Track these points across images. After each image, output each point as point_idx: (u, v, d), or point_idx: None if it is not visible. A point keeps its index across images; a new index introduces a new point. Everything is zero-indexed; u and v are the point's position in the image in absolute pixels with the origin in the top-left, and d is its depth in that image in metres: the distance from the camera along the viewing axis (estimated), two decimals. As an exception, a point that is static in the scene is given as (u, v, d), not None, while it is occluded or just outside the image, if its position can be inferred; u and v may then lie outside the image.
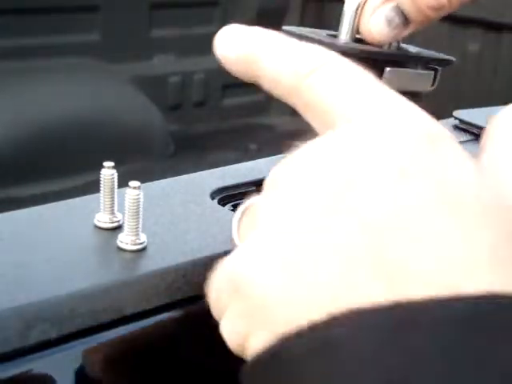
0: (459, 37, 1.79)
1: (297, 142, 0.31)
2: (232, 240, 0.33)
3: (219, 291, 0.30)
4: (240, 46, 0.34)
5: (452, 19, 1.73)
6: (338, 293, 0.26)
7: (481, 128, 0.60)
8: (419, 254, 0.25)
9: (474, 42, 1.79)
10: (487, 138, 0.32)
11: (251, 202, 0.33)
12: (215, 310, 0.31)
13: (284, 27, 0.40)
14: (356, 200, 0.27)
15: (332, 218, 0.27)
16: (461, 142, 0.45)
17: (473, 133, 0.61)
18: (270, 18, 1.98)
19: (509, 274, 0.24)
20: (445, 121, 0.63)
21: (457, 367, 0.23)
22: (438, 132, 0.28)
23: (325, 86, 0.30)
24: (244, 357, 0.29)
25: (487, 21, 1.74)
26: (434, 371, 0.23)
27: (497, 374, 0.22)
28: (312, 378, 0.25)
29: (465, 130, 0.61)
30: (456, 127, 0.62)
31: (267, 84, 0.33)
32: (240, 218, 0.33)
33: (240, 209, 0.33)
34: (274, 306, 0.27)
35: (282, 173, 0.30)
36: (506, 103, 0.71)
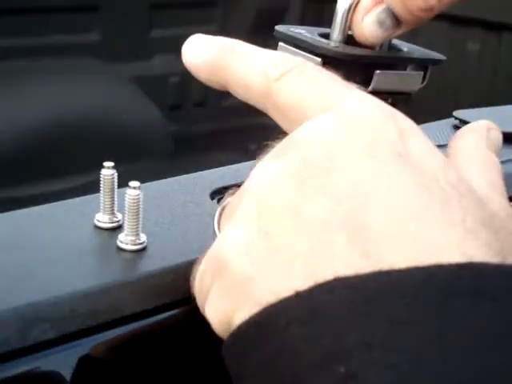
0: (459, 37, 1.79)
1: (269, 143, 0.33)
2: (214, 234, 0.34)
3: (203, 274, 0.31)
4: (207, 53, 0.35)
5: (452, 19, 1.73)
6: (317, 263, 0.27)
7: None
8: (394, 226, 0.26)
9: (474, 42, 1.79)
10: (452, 149, 0.34)
11: (229, 199, 0.34)
12: (199, 295, 0.32)
13: (276, 27, 0.40)
14: (331, 177, 0.28)
15: (307, 194, 0.28)
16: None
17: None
18: (270, 18, 1.98)
19: (479, 244, 0.26)
20: (445, 121, 0.63)
21: (439, 331, 0.24)
22: (406, 122, 0.31)
23: (296, 87, 0.32)
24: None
25: (487, 21, 1.74)
26: (422, 333, 0.24)
27: (472, 333, 0.24)
28: (298, 344, 0.25)
29: (465, 130, 0.61)
30: (456, 127, 0.62)
31: (237, 89, 0.34)
32: (220, 213, 0.35)
33: (221, 204, 0.35)
34: (256, 279, 0.28)
35: (256, 167, 0.31)
36: (506, 103, 0.72)
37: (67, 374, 0.35)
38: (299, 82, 0.32)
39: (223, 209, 0.35)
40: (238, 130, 1.91)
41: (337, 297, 0.25)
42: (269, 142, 0.34)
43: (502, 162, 0.55)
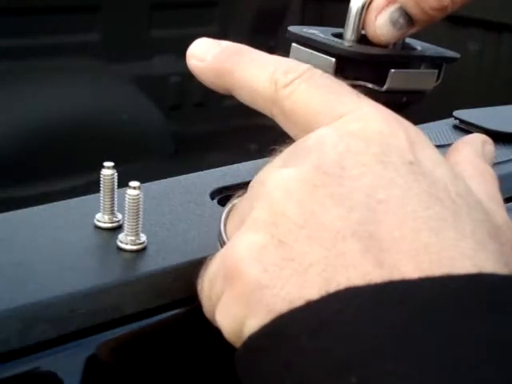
0: (459, 37, 1.79)
1: (277, 148, 0.33)
2: (220, 237, 0.34)
3: (212, 279, 0.31)
4: (213, 58, 0.35)
5: (452, 19, 1.73)
6: (332, 272, 0.27)
7: (481, 128, 0.60)
8: (407, 236, 0.26)
9: (474, 41, 1.79)
10: (451, 162, 0.34)
11: (236, 201, 0.34)
12: (208, 301, 0.32)
13: (289, 28, 0.40)
14: (344, 185, 0.28)
15: (321, 202, 0.28)
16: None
17: (472, 133, 0.61)
18: (270, 18, 1.98)
19: (489, 256, 0.26)
20: (445, 121, 0.63)
21: (451, 341, 0.24)
22: (416, 132, 0.31)
23: (305, 93, 0.32)
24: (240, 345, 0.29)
25: (487, 21, 1.74)
26: (434, 344, 0.24)
27: (484, 343, 0.24)
28: (310, 355, 0.25)
29: (465, 130, 0.61)
30: (456, 127, 0.62)
31: (242, 94, 0.34)
32: (226, 216, 0.34)
33: (226, 207, 0.35)
34: (269, 287, 0.27)
35: (266, 171, 0.31)
36: (506, 103, 0.71)
37: (67, 374, 0.35)
38: (308, 89, 0.32)
39: (229, 212, 0.34)
40: (238, 130, 1.91)
41: (348, 307, 0.25)
42: (276, 146, 0.33)
43: (502, 162, 0.55)
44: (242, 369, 0.29)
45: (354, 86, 0.34)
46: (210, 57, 0.35)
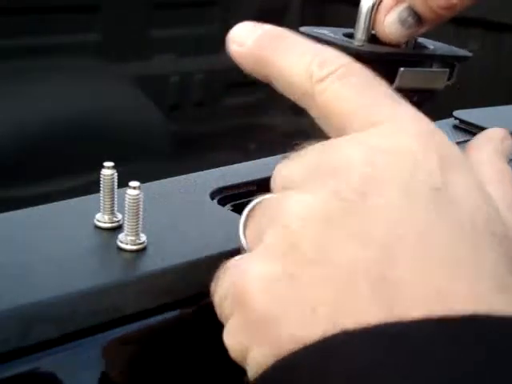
0: (459, 37, 1.79)
1: (300, 142, 0.31)
2: (239, 239, 0.33)
3: (222, 298, 0.31)
4: (253, 43, 0.34)
5: (452, 19, 1.73)
6: (340, 314, 0.26)
7: (481, 128, 0.60)
8: (421, 280, 0.25)
9: (474, 41, 1.79)
10: (470, 160, 0.33)
11: (257, 202, 0.33)
12: (219, 309, 0.32)
13: (301, 28, 0.40)
14: (361, 215, 0.27)
15: (335, 235, 0.27)
16: (460, 142, 0.45)
17: (473, 133, 0.61)
18: (270, 18, 1.97)
19: (507, 297, 0.25)
20: (445, 121, 0.63)
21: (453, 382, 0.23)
22: (450, 148, 0.29)
23: (339, 91, 0.31)
24: (243, 366, 0.29)
25: (487, 21, 1.74)
26: None
27: None
28: None
29: (465, 130, 0.61)
30: (456, 127, 0.62)
31: (280, 86, 0.33)
32: (246, 219, 0.33)
33: (246, 209, 0.33)
34: (276, 321, 0.27)
35: (293, 173, 0.30)
36: (506, 103, 0.71)
37: (67, 374, 0.35)
38: (341, 89, 0.31)
39: (248, 215, 0.33)
40: (238, 130, 1.91)
41: (347, 351, 0.25)
42: (298, 142, 0.32)
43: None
44: None
45: None
46: (251, 41, 0.33)
